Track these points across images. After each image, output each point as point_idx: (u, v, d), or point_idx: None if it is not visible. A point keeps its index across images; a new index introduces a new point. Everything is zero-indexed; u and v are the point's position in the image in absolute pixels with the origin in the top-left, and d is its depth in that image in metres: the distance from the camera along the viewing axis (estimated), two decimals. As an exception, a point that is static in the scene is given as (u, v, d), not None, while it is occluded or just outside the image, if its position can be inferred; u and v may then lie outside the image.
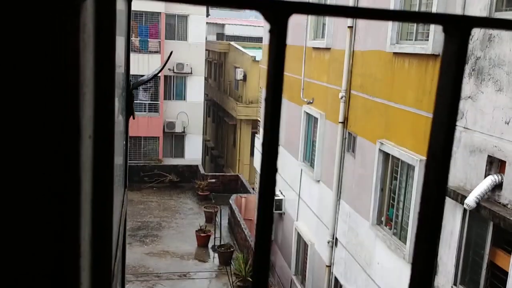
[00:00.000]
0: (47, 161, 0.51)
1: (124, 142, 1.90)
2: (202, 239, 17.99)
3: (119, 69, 1.49)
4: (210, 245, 18.03)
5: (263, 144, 0.41)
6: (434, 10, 7.41)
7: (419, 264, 0.47)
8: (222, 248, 16.93)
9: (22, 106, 0.49)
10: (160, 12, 25.41)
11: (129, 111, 1.86)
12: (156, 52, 25.46)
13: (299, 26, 13.54)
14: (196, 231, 18.21)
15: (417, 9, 8.18)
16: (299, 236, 13.42)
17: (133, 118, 1.96)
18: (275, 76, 0.39)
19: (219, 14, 45.56)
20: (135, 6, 23.96)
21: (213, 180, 23.47)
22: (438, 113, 0.45)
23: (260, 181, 0.45)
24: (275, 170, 0.44)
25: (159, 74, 25.35)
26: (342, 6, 0.41)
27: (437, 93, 0.44)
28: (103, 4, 0.74)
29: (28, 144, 0.50)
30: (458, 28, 0.43)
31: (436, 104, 0.45)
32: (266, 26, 0.39)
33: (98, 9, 0.69)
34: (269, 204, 0.45)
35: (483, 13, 6.41)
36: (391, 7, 8.63)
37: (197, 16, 26.49)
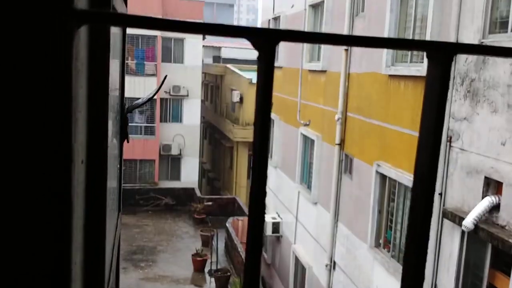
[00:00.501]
0: (38, 186, 0.50)
1: (118, 166, 1.88)
2: (199, 264, 17.78)
3: (114, 92, 1.48)
4: (206, 269, 17.81)
5: (253, 169, 0.39)
6: (428, 32, 7.50)
7: (408, 280, 0.46)
8: (219, 273, 16.72)
9: (14, 132, 0.49)
10: (156, 36, 25.65)
11: (123, 135, 1.85)
12: (152, 75, 25.59)
13: (295, 49, 13.67)
14: (192, 255, 18.01)
15: (411, 32, 8.28)
16: (296, 259, 13.29)
17: (127, 141, 1.94)
18: (263, 101, 0.38)
19: (216, 37, 46.04)
20: (131, 30, 24.22)
21: (210, 203, 23.33)
22: (423, 136, 0.45)
23: (250, 201, 0.43)
24: (264, 193, 0.42)
25: (155, 97, 25.44)
26: (327, 34, 0.40)
27: (422, 117, 0.44)
28: (97, 31, 0.74)
29: (19, 170, 0.50)
30: (441, 54, 0.44)
31: (420, 128, 0.45)
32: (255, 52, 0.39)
33: (92, 36, 0.69)
34: (258, 227, 0.44)
35: (477, 36, 6.48)
36: (386, 30, 8.74)
37: (193, 39, 26.74)
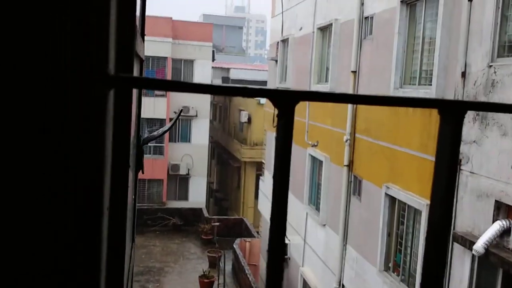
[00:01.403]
0: (72, 232, 0.53)
1: (133, 197, 1.89)
2: (206, 285, 17.63)
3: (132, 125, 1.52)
4: (213, 290, 17.64)
5: (271, 221, 0.40)
6: (436, 55, 7.53)
7: None
8: (226, 294, 16.56)
9: (55, 181, 0.52)
10: (166, 57, 25.94)
11: (139, 166, 1.87)
12: (162, 96, 25.82)
13: (303, 69, 13.76)
14: (199, 276, 17.87)
15: (419, 55, 8.30)
16: (305, 282, 13.14)
17: (142, 172, 1.96)
18: (282, 157, 0.39)
19: (225, 59, 46.48)
20: (142, 51, 24.50)
21: (217, 224, 23.24)
22: (436, 194, 0.46)
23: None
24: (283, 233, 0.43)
25: (164, 117, 25.62)
26: (343, 94, 0.42)
27: (435, 172, 0.45)
28: (122, 92, 0.77)
29: (55, 220, 0.53)
30: (452, 112, 0.45)
31: (434, 181, 0.46)
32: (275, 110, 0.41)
33: (117, 96, 0.72)
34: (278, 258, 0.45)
35: (485, 59, 6.49)
36: (394, 53, 8.78)
37: (202, 60, 27.01)
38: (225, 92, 0.39)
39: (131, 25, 0.92)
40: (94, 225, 0.54)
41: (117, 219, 0.79)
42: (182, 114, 26.64)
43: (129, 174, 1.51)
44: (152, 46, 25.22)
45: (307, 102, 13.25)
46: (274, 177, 0.42)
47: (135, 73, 1.67)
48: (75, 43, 0.50)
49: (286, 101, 0.39)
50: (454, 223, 6.96)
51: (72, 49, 0.49)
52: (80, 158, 0.51)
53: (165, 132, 2.88)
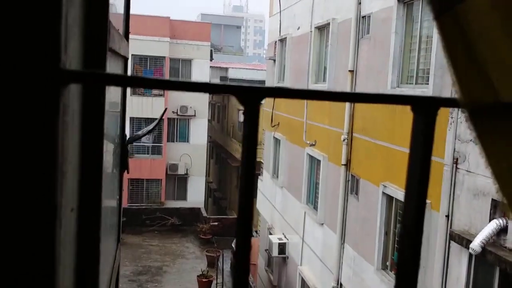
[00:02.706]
0: (21, 236, 0.51)
1: (118, 197, 1.89)
2: (204, 285, 17.63)
3: (115, 124, 1.51)
4: (212, 290, 17.65)
5: (238, 218, 0.41)
6: (433, 54, 7.54)
7: None
8: (225, 293, 16.58)
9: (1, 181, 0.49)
10: (164, 57, 25.93)
11: (123, 166, 1.87)
12: (160, 95, 25.80)
13: (301, 69, 13.77)
14: (198, 276, 17.88)
15: (416, 54, 8.31)
16: (303, 281, 13.15)
17: (127, 172, 1.96)
18: (248, 151, 0.40)
19: (223, 58, 46.47)
20: (139, 51, 24.49)
21: (216, 223, 23.25)
22: (410, 184, 0.46)
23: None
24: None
25: (162, 117, 25.58)
26: (311, 90, 0.43)
27: (408, 168, 0.46)
28: (90, 89, 0.76)
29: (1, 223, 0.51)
30: (425, 108, 0.45)
31: (407, 178, 0.47)
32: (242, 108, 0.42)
33: (86, 92, 0.71)
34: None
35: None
36: (391, 52, 8.79)
37: (200, 60, 27.00)
38: (187, 88, 0.39)
39: (103, 20, 0.90)
40: (46, 226, 0.52)
41: (88, 220, 0.79)
42: (180, 113, 26.64)
43: (113, 172, 1.51)
44: (150, 45, 25.21)
45: (305, 102, 13.26)
46: (240, 173, 0.43)
47: (117, 71, 1.66)
48: (22, 34, 0.47)
49: (250, 98, 0.40)
50: (451, 221, 6.98)
51: (19, 40, 0.47)
52: (28, 156, 0.49)
53: (149, 131, 2.89)
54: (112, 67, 1.35)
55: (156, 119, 26.55)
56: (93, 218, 0.81)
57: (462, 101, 0.47)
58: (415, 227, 0.47)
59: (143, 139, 26.22)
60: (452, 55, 0.45)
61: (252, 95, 0.40)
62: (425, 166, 0.45)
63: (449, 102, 0.48)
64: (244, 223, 0.41)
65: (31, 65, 0.47)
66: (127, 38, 1.96)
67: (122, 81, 0.39)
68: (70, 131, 0.63)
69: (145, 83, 0.39)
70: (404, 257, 0.48)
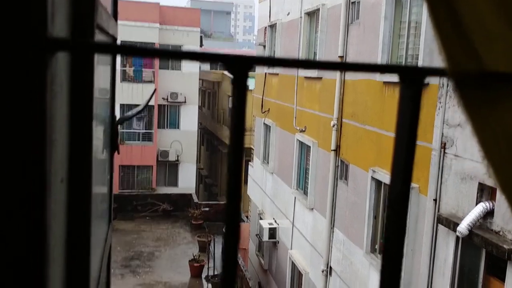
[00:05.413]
0: (10, 203, 0.52)
1: (109, 177, 1.91)
2: (196, 269, 17.76)
3: (104, 104, 1.52)
4: (203, 275, 17.79)
5: (227, 185, 0.43)
6: (422, 39, 7.57)
7: (388, 269, 0.49)
8: (216, 278, 16.71)
9: None
10: (154, 43, 25.72)
11: (113, 146, 1.88)
12: (150, 81, 25.65)
13: (291, 55, 13.74)
14: (190, 261, 17.99)
15: (405, 39, 8.35)
16: (293, 265, 13.30)
17: (118, 153, 1.98)
18: (237, 121, 0.42)
19: (213, 44, 46.13)
20: (129, 37, 24.24)
21: (207, 209, 23.32)
22: (396, 165, 0.48)
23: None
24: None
25: (153, 104, 25.48)
26: (298, 60, 0.45)
27: (395, 138, 0.48)
28: (79, 57, 0.76)
29: None
30: (412, 78, 0.47)
31: (394, 152, 0.49)
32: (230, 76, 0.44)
33: (74, 61, 0.72)
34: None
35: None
36: (380, 37, 8.81)
37: (190, 46, 26.81)
38: (175, 56, 0.41)
39: None
40: (36, 194, 0.52)
41: (78, 192, 0.80)
42: (171, 100, 26.51)
43: (103, 153, 1.53)
44: (139, 31, 24.97)
45: (295, 88, 13.27)
46: (228, 146, 0.46)
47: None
48: (9, 2, 0.48)
49: (239, 66, 0.42)
50: (439, 205, 7.08)
51: (5, 8, 0.48)
52: (17, 122, 0.49)
53: (139, 112, 2.89)
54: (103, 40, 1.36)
55: (147, 105, 26.62)
56: (83, 190, 0.83)
57: (448, 70, 0.49)
58: (400, 202, 0.49)
59: (134, 125, 26.11)
60: (436, 20, 0.47)
61: (240, 64, 0.42)
62: (412, 137, 0.47)
63: (435, 72, 0.50)
64: (235, 162, 0.43)
65: (18, 34, 0.48)
66: (115, 18, 1.96)
67: (110, 49, 0.40)
68: (59, 101, 0.64)
69: (133, 52, 0.40)
70: (390, 237, 0.50)
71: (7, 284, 0.53)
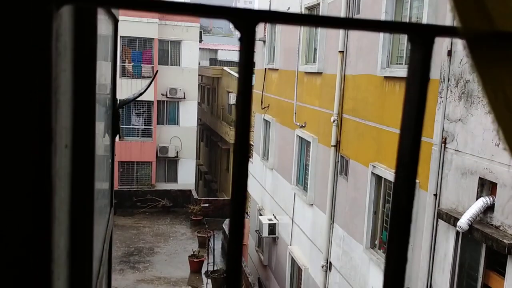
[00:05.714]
0: (16, 168, 0.51)
1: (110, 160, 1.89)
2: (195, 265, 17.78)
3: (105, 88, 1.50)
4: (203, 270, 17.80)
5: (234, 151, 0.41)
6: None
7: (392, 263, 0.48)
8: (216, 274, 16.72)
9: None
10: (153, 38, 25.67)
11: (115, 130, 1.86)
12: (149, 77, 25.60)
13: (291, 51, 13.71)
14: (189, 256, 18.01)
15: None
16: (293, 261, 13.30)
17: (119, 137, 1.96)
18: (244, 80, 0.40)
19: (212, 40, 46.07)
20: (128, 32, 24.21)
21: (206, 205, 23.33)
22: (405, 121, 0.46)
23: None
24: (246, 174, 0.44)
25: (152, 100, 25.45)
26: (306, 15, 0.42)
27: (405, 101, 0.46)
28: (83, 16, 0.75)
29: None
30: (422, 37, 0.45)
31: (403, 113, 0.46)
32: (237, 34, 0.41)
33: (78, 20, 0.70)
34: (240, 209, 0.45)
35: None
36: (380, 41, 8.78)
37: (190, 41, 26.77)
38: (176, 10, 0.39)
39: None
40: (42, 152, 0.51)
41: (83, 156, 0.78)
42: (170, 96, 26.47)
43: (105, 135, 1.51)
44: (139, 27, 24.91)
45: (295, 84, 13.24)
46: (236, 104, 0.43)
47: (108, 33, 1.65)
48: None
49: (246, 21, 0.40)
50: (439, 200, 7.07)
51: None
52: (22, 79, 0.48)
53: (140, 94, 2.87)
54: (107, 28, 1.34)
55: (146, 101, 26.25)
56: (87, 155, 0.81)
57: (460, 29, 0.47)
58: (410, 158, 0.47)
59: (133, 121, 26.08)
60: None
61: (248, 18, 0.40)
62: (422, 96, 0.45)
63: (447, 31, 0.48)
64: (242, 154, 0.41)
65: None
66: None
67: (113, 1, 0.39)
68: (64, 63, 0.62)
69: (136, 4, 0.38)
70: (394, 231, 0.48)
71: (13, 247, 0.52)
